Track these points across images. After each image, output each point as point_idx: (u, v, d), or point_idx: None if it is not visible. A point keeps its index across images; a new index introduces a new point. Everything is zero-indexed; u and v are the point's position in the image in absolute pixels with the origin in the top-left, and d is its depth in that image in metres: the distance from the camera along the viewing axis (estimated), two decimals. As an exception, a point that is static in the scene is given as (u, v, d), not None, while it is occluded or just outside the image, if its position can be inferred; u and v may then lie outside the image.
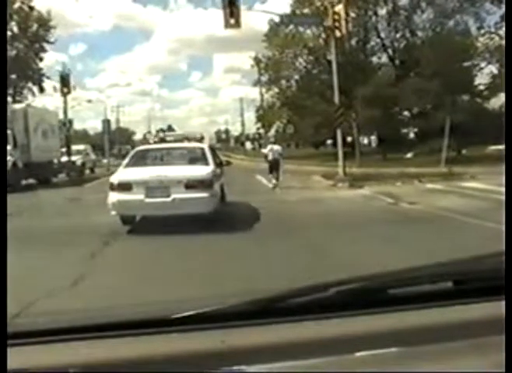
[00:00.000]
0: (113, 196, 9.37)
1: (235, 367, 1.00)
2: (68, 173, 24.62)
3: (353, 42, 35.42)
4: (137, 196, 9.24)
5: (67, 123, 27.77)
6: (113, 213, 9.44)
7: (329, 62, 37.31)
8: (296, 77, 39.57)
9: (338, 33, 18.48)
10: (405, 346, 1.05)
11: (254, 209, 11.26)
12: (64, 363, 0.98)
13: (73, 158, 26.60)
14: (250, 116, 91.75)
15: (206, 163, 10.12)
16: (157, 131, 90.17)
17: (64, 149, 27.12)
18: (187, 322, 1.09)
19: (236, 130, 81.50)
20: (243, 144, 64.96)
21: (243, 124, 67.04)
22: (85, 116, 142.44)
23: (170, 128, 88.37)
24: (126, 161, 10.53)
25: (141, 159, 10.55)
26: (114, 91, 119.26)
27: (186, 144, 15.69)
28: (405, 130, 37.89)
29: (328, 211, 11.34)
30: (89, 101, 45.12)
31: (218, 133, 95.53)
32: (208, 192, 9.30)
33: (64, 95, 28.00)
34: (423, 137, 33.36)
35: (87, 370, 0.97)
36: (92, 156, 31.80)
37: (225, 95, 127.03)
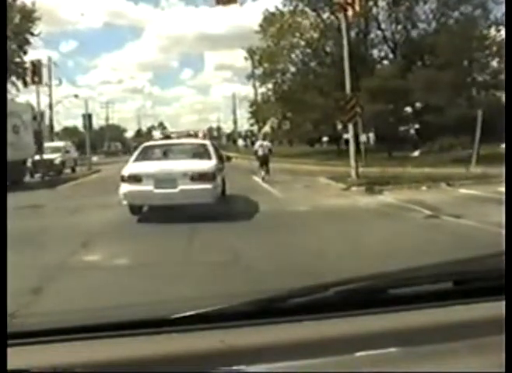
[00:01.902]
0: (125, 188, 9.91)
1: (235, 367, 0.99)
2: (44, 173, 21.25)
3: (353, 33, 32.28)
4: (146, 187, 9.80)
5: (38, 117, 24.31)
6: (125, 203, 9.95)
7: (327, 54, 34.55)
8: (293, 69, 36.44)
9: (350, 11, 15.21)
10: (405, 346, 1.04)
11: (254, 227, 8.92)
12: (64, 363, 0.97)
13: (51, 156, 23.35)
14: (242, 113, 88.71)
15: (209, 157, 10.77)
16: (148, 129, 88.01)
17: (45, 145, 23.78)
18: (187, 322, 1.07)
19: (228, 128, 78.62)
20: (235, 141, 62.29)
21: (235, 122, 64.25)
22: (76, 112, 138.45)
23: (161, 125, 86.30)
24: (135, 155, 11.11)
25: (148, 154, 11.21)
26: (106, 88, 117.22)
27: (190, 140, 16.40)
28: (404, 128, 34.90)
29: (359, 232, 8.08)
30: (76, 96, 41.83)
31: (210, 130, 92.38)
32: (211, 184, 9.91)
33: (35, 84, 24.60)
34: (426, 134, 30.49)
35: (87, 370, 0.96)
36: (74, 154, 28.44)
37: (216, 93, 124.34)
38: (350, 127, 16.31)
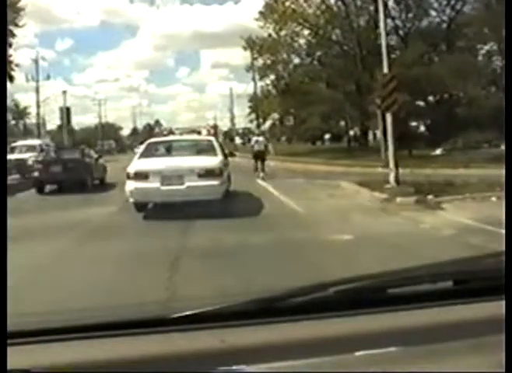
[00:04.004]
0: (131, 185, 9.78)
1: (235, 367, 0.98)
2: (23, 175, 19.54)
3: (362, 21, 28.49)
4: (153, 184, 9.68)
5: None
6: (131, 200, 9.87)
7: (333, 42, 30.87)
8: (296, 60, 32.55)
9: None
10: (405, 346, 1.02)
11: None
12: (64, 363, 0.96)
13: (24, 155, 20.12)
14: (239, 111, 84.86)
15: (215, 154, 10.68)
16: (144, 127, 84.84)
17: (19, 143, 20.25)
18: (187, 322, 1.05)
19: (224, 126, 74.79)
20: (232, 139, 58.75)
21: (232, 119, 60.89)
22: (73, 111, 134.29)
23: (157, 123, 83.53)
24: (140, 152, 11.03)
25: (154, 150, 11.18)
26: (102, 86, 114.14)
27: (195, 136, 16.57)
28: (416, 123, 31.45)
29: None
30: (64, 92, 38.20)
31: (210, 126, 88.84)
32: (218, 180, 9.82)
33: None
34: (439, 130, 26.66)
35: (87, 369, 0.95)
36: (52, 153, 24.39)
37: (212, 91, 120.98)
38: (388, 117, 12.22)
